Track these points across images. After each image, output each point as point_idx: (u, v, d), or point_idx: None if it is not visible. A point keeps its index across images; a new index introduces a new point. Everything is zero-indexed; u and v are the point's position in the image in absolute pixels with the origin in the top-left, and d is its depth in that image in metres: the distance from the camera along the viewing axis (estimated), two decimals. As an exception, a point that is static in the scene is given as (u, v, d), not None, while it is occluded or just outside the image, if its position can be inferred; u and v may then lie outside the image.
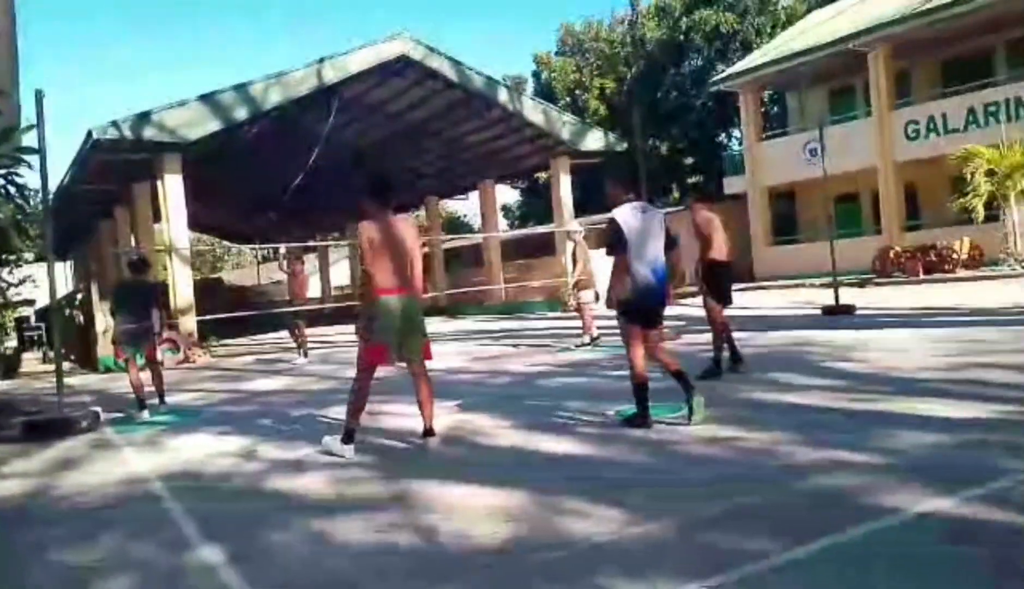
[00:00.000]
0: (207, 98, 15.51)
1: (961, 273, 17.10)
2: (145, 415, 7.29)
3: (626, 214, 4.89)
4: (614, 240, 4.87)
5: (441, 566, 2.93)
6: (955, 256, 17.68)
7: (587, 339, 10.15)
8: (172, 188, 15.35)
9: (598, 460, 4.32)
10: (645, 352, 4.98)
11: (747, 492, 3.48)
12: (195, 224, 24.22)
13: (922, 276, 17.34)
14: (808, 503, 3.28)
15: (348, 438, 4.79)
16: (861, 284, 17.06)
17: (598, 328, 10.07)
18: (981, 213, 17.23)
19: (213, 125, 15.52)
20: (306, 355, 11.82)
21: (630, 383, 5.01)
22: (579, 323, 10.48)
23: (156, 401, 7.65)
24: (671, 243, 5.01)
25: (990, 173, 17.24)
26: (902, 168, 21.26)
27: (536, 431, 5.12)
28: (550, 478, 3.97)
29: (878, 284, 17.44)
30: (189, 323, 14.97)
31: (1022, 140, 17.15)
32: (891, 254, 18.70)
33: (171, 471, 4.95)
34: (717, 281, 6.85)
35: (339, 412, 5.57)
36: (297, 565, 3.08)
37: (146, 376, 7.71)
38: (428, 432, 4.92)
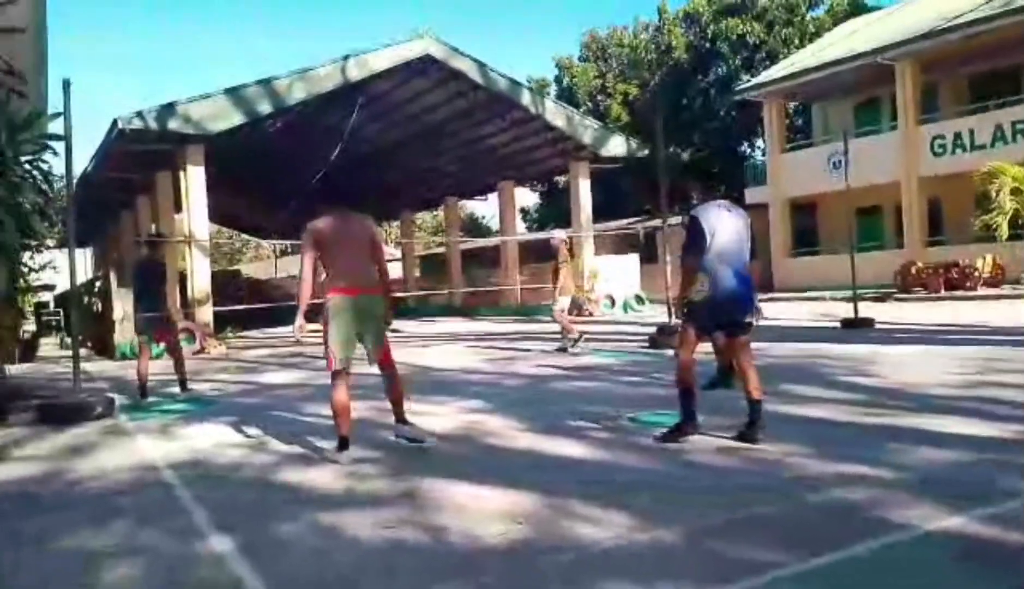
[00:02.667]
0: (232, 91, 15.65)
1: (982, 291, 16.90)
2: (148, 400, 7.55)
3: (709, 212, 4.53)
4: (692, 240, 4.50)
5: (449, 565, 2.93)
6: (977, 273, 17.48)
7: (569, 343, 10.21)
8: (194, 179, 15.50)
9: (609, 465, 4.30)
10: (732, 358, 4.70)
11: (758, 502, 3.45)
12: (215, 216, 24.47)
13: (943, 292, 17.15)
14: (819, 516, 3.25)
15: (340, 445, 4.64)
16: (881, 298, 16.91)
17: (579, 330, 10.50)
18: (1005, 231, 16.99)
19: (237, 118, 15.65)
20: None
21: (676, 389, 4.70)
22: (582, 327, 10.59)
23: (178, 389, 7.95)
24: (753, 248, 4.65)
25: (1015, 191, 17.00)
26: (926, 183, 21.06)
27: (548, 434, 5.11)
28: (560, 481, 3.95)
29: (899, 299, 17.28)
30: (206, 314, 15.09)
31: (1049, 158, 16.93)
32: (913, 269, 18.52)
33: (183, 459, 4.98)
34: None
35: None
36: (306, 559, 3.09)
37: (161, 364, 7.79)
38: (402, 420, 4.92)
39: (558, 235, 11.18)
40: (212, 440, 5.56)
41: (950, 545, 2.83)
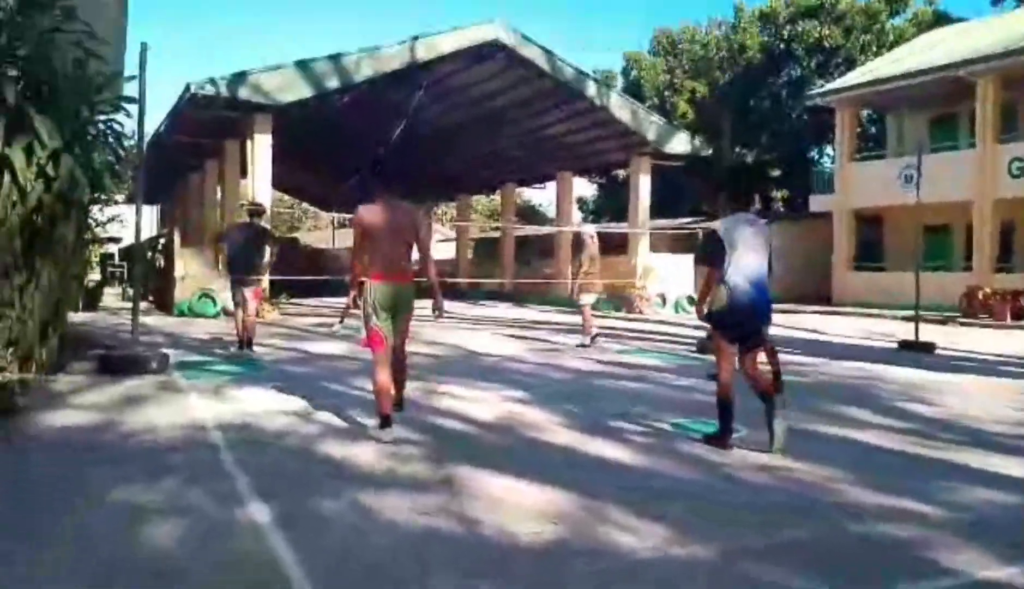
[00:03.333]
0: (302, 65, 15.87)
1: (1052, 323, 16.20)
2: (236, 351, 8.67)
3: (730, 224, 4.63)
4: (710, 250, 4.61)
5: (481, 561, 2.94)
6: (1047, 305, 16.75)
7: (587, 340, 10.29)
8: (260, 147, 15.81)
9: (649, 471, 4.26)
10: (743, 370, 4.72)
11: (796, 526, 3.38)
12: (279, 184, 24.89)
13: (1010, 321, 16.50)
14: (860, 548, 3.16)
15: (383, 423, 4.75)
16: (944, 321, 16.35)
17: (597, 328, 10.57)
18: (1081, 262, 16.26)
19: (305, 91, 15.88)
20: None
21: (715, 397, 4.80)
22: (640, 326, 10.42)
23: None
24: (770, 263, 4.72)
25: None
26: (1001, 205, 20.23)
27: (588, 432, 5.08)
28: (598, 483, 3.93)
29: (962, 323, 16.68)
30: (263, 279, 15.40)
31: None
32: (980, 294, 17.85)
33: (231, 422, 5.11)
34: None
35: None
36: (342, 537, 3.13)
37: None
38: (399, 405, 5.15)
39: (587, 229, 11.02)
40: (261, 405, 5.69)
41: (999, 594, 2.72)
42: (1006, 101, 20.79)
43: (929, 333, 12.15)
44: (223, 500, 3.52)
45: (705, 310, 4.72)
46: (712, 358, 5.26)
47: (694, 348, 10.09)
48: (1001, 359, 10.43)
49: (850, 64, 31.26)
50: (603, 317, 17.27)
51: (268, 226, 10.62)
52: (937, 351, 10.73)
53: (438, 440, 4.81)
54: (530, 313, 18.28)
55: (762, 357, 4.72)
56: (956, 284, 19.12)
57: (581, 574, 2.82)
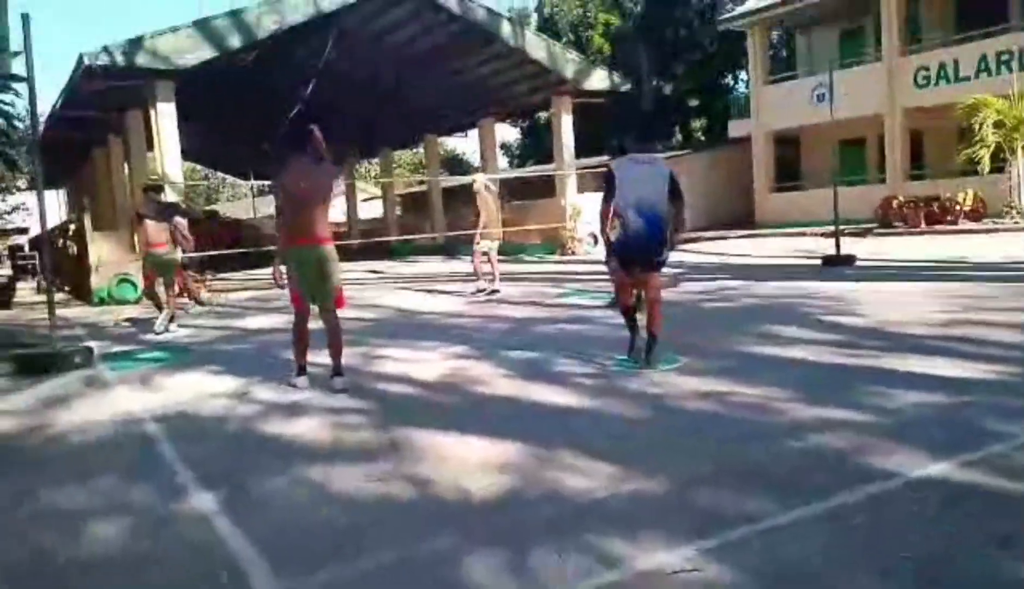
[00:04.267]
0: (201, 24, 15.07)
1: (964, 225, 16.98)
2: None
3: (619, 165, 5.26)
4: (605, 188, 5.30)
5: (437, 518, 2.92)
6: (958, 208, 17.52)
7: (493, 286, 10.57)
8: (165, 117, 15.03)
9: (593, 412, 4.30)
10: (643, 296, 5.39)
11: (742, 450, 3.47)
12: (191, 154, 23.88)
13: (924, 227, 17.22)
14: (803, 463, 3.27)
15: (299, 371, 5.28)
16: (862, 233, 16.96)
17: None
18: (987, 165, 16.99)
19: (207, 52, 15.09)
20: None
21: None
22: (574, 268, 10.46)
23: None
24: (675, 194, 5.20)
25: (998, 125, 16.96)
26: (910, 115, 20.91)
27: (531, 380, 5.10)
28: (545, 429, 3.96)
29: (879, 234, 17.34)
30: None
31: (1033, 91, 16.82)
32: (894, 203, 18.53)
33: (165, 412, 4.92)
34: None
35: (326, 355, 5.37)
36: (291, 514, 3.07)
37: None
38: (335, 372, 5.22)
39: (479, 179, 11.23)
40: (195, 390, 5.50)
41: (935, 492, 2.85)
42: (910, 12, 21.32)
43: (850, 246, 12.61)
44: (165, 493, 3.40)
45: (607, 239, 5.32)
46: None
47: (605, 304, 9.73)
48: (918, 264, 10.91)
49: (758, -14, 31.45)
50: (538, 262, 17.34)
51: (170, 200, 10.74)
52: (858, 263, 11.13)
53: (382, 405, 4.76)
54: (464, 265, 18.18)
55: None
56: (873, 196, 19.80)
57: (536, 519, 2.84)
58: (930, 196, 18.20)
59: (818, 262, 11.62)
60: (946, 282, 8.71)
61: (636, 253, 5.19)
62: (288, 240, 5.12)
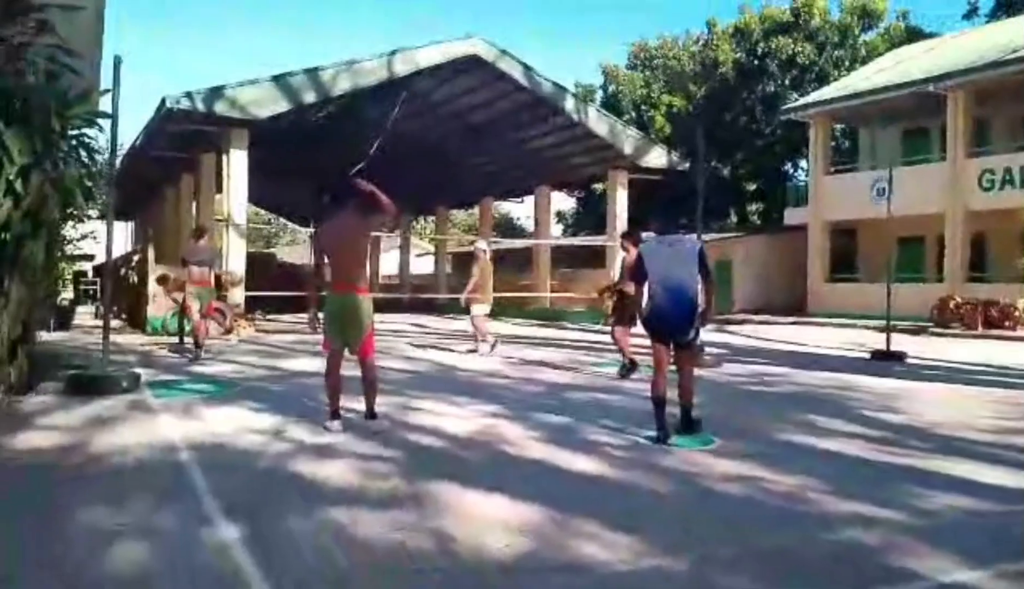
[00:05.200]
0: (279, 79, 15.86)
1: (1022, 331, 16.46)
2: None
3: (648, 248, 5.64)
4: (636, 269, 5.70)
5: (452, 575, 2.92)
6: (1017, 313, 17.03)
7: (484, 348, 10.98)
8: (236, 162, 15.74)
9: (621, 483, 4.26)
10: (679, 370, 5.44)
11: (768, 535, 3.39)
12: (255, 197, 24.72)
13: (981, 330, 16.75)
14: (830, 556, 3.18)
15: (332, 415, 5.45)
16: (916, 331, 16.57)
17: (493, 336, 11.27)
18: (1050, 272, 16.55)
19: (282, 105, 15.86)
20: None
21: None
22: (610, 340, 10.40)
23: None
24: (704, 271, 5.41)
25: (1064, 232, 16.56)
26: (972, 217, 20.58)
27: (562, 446, 5.08)
28: (569, 496, 3.93)
29: (934, 333, 16.91)
30: (238, 295, 15.29)
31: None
32: (951, 304, 18.11)
33: (201, 442, 5.04)
34: (626, 307, 8.37)
35: (362, 401, 5.73)
36: (310, 556, 3.10)
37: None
38: (370, 415, 5.60)
39: (480, 246, 11.93)
40: (233, 424, 5.62)
41: (964, 600, 2.75)
42: (977, 116, 21.20)
43: (902, 343, 12.32)
44: (191, 521, 3.47)
45: (640, 316, 5.68)
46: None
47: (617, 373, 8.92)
48: (970, 367, 10.58)
49: (823, 79, 31.75)
50: (582, 330, 17.32)
51: (211, 245, 12.00)
52: (908, 360, 10.86)
53: (411, 455, 4.79)
54: (509, 327, 18.27)
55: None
56: (930, 294, 19.40)
57: (552, 587, 2.81)
58: (989, 299, 17.75)
59: (867, 356, 11.37)
60: (999, 388, 8.43)
61: (665, 330, 5.39)
62: (327, 287, 5.48)
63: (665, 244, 5.53)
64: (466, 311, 11.59)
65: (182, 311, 11.10)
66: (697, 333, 5.51)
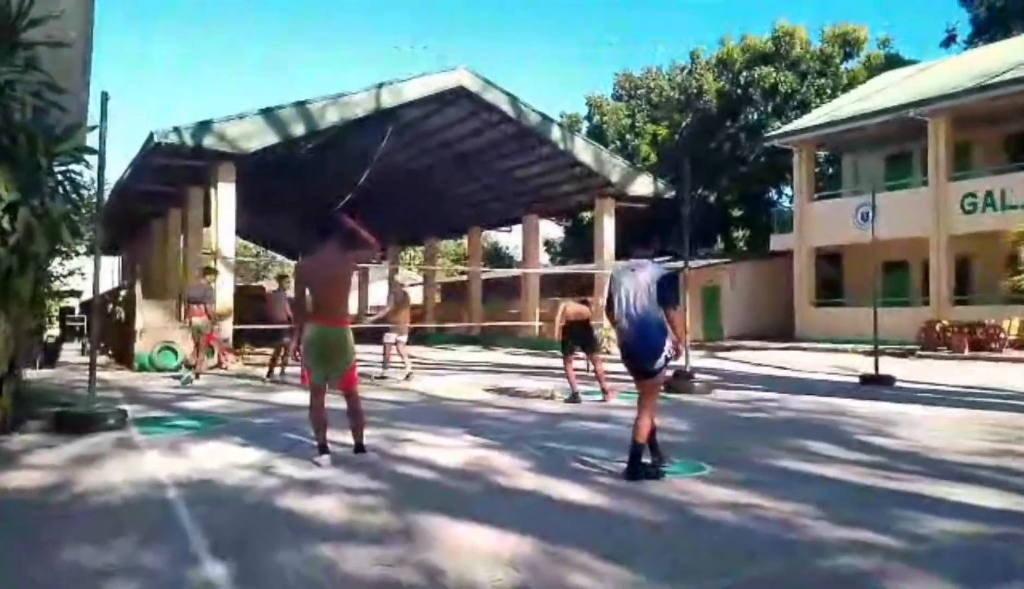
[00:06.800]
0: (267, 112, 15.94)
1: (1009, 354, 16.59)
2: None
3: (616, 273, 5.38)
4: (607, 295, 5.36)
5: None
6: (1003, 335, 17.17)
7: (388, 372, 11.86)
8: (224, 196, 15.75)
9: (611, 513, 4.24)
10: (637, 403, 5.16)
11: (762, 562, 3.38)
12: (244, 231, 24.75)
13: (967, 352, 16.86)
14: (824, 582, 3.17)
15: (320, 450, 5.44)
16: (904, 354, 16.66)
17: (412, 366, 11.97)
18: (1035, 293, 16.70)
19: (270, 138, 15.93)
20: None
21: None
22: (605, 367, 10.40)
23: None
24: (665, 298, 4.98)
25: (1047, 253, 16.75)
26: (956, 241, 20.81)
27: (553, 476, 5.05)
28: (560, 527, 3.90)
29: (921, 356, 17.01)
30: (226, 329, 15.21)
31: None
32: (937, 327, 18.25)
33: (189, 479, 4.98)
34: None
35: (350, 434, 5.73)
36: (298, 591, 3.06)
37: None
38: (358, 449, 5.62)
39: (398, 279, 13.99)
40: (220, 460, 5.57)
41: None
42: (958, 140, 21.53)
43: (889, 366, 12.38)
44: (178, 559, 3.42)
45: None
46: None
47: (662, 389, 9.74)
48: (959, 390, 10.64)
49: (806, 106, 32.21)
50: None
51: (210, 284, 12.82)
52: (896, 384, 10.91)
53: (401, 488, 4.75)
54: (497, 356, 18.25)
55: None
56: (916, 318, 19.54)
57: (543, 621, 2.78)
58: (975, 322, 17.89)
59: (856, 380, 11.42)
60: (987, 410, 8.48)
61: (630, 360, 5.16)
62: (309, 319, 5.48)
63: (628, 270, 5.22)
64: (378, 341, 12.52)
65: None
66: (666, 362, 5.05)
